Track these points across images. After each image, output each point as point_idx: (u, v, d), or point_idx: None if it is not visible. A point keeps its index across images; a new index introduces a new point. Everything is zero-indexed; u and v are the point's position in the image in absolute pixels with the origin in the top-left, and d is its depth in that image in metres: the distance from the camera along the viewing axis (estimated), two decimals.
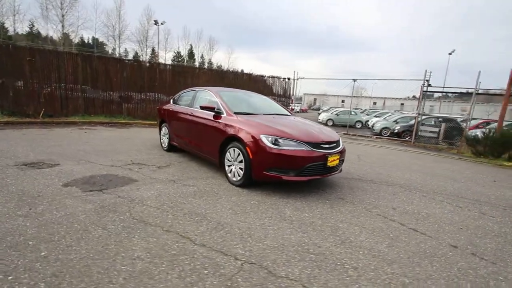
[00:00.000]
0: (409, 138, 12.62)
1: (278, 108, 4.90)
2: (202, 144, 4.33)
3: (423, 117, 12.25)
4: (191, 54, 54.86)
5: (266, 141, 3.29)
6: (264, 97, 5.45)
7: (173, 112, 5.30)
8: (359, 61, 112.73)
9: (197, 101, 4.80)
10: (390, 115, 18.98)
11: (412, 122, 13.84)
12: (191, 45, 54.36)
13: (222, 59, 64.78)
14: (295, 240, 2.34)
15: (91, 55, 11.11)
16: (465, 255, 2.31)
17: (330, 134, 3.92)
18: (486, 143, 7.56)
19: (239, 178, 3.60)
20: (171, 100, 5.80)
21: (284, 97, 13.65)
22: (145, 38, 44.66)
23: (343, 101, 55.14)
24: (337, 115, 19.33)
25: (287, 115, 4.64)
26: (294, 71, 13.58)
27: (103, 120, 10.08)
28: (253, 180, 3.49)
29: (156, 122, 11.16)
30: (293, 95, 14.07)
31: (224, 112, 4.00)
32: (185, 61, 52.24)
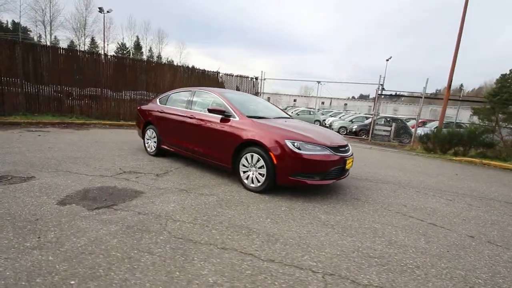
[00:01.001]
0: (365, 136, 13.92)
1: (279, 111, 4.90)
2: (209, 149, 4.07)
3: (377, 117, 13.63)
4: (137, 46, 50.79)
5: (292, 146, 3.27)
6: (261, 99, 5.39)
7: (164, 114, 4.86)
8: (305, 62, 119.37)
9: (197, 103, 4.48)
10: (344, 115, 20.62)
11: (366, 121, 15.29)
12: (137, 36, 50.27)
13: (173, 53, 61.41)
14: (349, 245, 2.39)
15: (34, 44, 9.39)
16: (484, 244, 2.67)
17: (341, 138, 4.09)
18: (435, 141, 8.82)
19: (259, 184, 3.50)
20: (157, 100, 5.31)
21: None
22: (82, 26, 39.68)
23: (295, 100, 57.86)
24: (298, 114, 20.20)
25: (289, 117, 4.68)
26: (261, 71, 13.73)
27: (53, 120, 8.68)
28: (276, 185, 3.44)
29: (121, 123, 10.14)
30: (260, 94, 14.20)
31: (236, 116, 3.82)
32: (131, 53, 48.12)
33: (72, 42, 40.36)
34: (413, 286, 1.89)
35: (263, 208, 3.09)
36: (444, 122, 14.10)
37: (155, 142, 5.08)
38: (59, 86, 9.62)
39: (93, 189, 3.26)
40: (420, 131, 13.64)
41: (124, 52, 47.24)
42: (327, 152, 3.38)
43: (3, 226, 2.24)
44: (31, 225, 2.29)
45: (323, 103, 60.62)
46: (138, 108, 5.65)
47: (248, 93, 13.49)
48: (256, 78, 13.72)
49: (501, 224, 3.24)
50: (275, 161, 3.31)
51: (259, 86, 13.82)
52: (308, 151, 3.28)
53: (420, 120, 17.05)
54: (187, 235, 2.32)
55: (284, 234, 2.50)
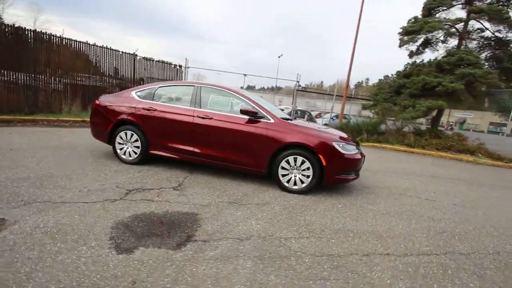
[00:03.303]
0: None
1: (282, 111, 4.93)
2: (235, 154, 3.70)
3: (295, 109, 15.45)
4: None
5: (339, 147, 3.51)
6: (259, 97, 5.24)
7: (157, 113, 3.93)
8: (193, 48, 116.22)
9: (209, 102, 3.90)
10: None
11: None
12: None
13: (23, 19, 45.12)
14: (421, 228, 2.93)
15: None
16: (464, 208, 3.83)
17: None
18: (347, 130, 11.09)
19: (303, 185, 3.57)
20: (134, 94, 4.19)
21: None
22: None
23: None
24: None
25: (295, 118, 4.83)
26: (186, 59, 12.61)
27: None
28: (320, 185, 3.62)
29: (8, 117, 7.00)
30: None
31: (271, 118, 3.66)
32: None
33: None
34: (484, 244, 2.64)
35: (325, 208, 3.23)
36: (334, 114, 17.56)
37: (137, 147, 4.05)
38: None
39: (131, 222, 2.44)
40: (320, 121, 16.61)
41: None
42: (358, 150, 3.84)
43: None
44: None
45: None
46: (97, 103, 4.25)
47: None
48: (180, 66, 12.56)
49: (453, 192, 4.68)
50: (324, 163, 3.47)
51: (184, 75, 12.75)
52: (349, 151, 3.62)
53: (317, 112, 20.53)
54: (322, 251, 2.23)
55: (376, 230, 2.78)
